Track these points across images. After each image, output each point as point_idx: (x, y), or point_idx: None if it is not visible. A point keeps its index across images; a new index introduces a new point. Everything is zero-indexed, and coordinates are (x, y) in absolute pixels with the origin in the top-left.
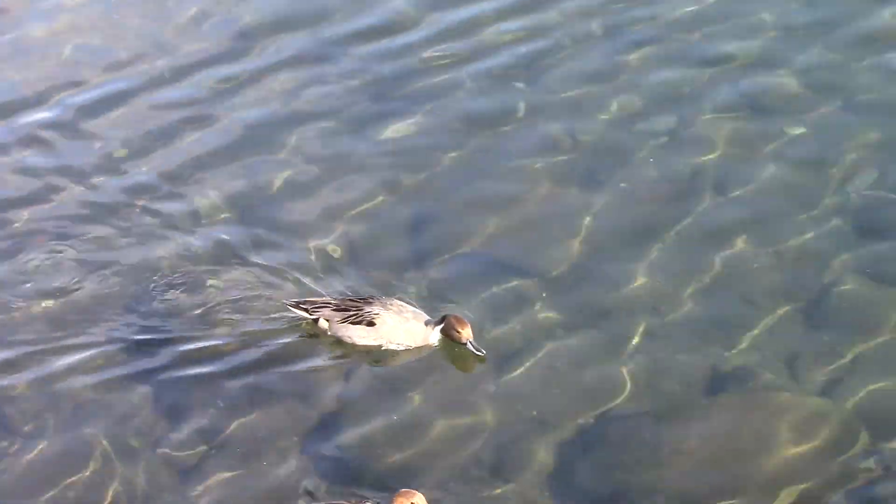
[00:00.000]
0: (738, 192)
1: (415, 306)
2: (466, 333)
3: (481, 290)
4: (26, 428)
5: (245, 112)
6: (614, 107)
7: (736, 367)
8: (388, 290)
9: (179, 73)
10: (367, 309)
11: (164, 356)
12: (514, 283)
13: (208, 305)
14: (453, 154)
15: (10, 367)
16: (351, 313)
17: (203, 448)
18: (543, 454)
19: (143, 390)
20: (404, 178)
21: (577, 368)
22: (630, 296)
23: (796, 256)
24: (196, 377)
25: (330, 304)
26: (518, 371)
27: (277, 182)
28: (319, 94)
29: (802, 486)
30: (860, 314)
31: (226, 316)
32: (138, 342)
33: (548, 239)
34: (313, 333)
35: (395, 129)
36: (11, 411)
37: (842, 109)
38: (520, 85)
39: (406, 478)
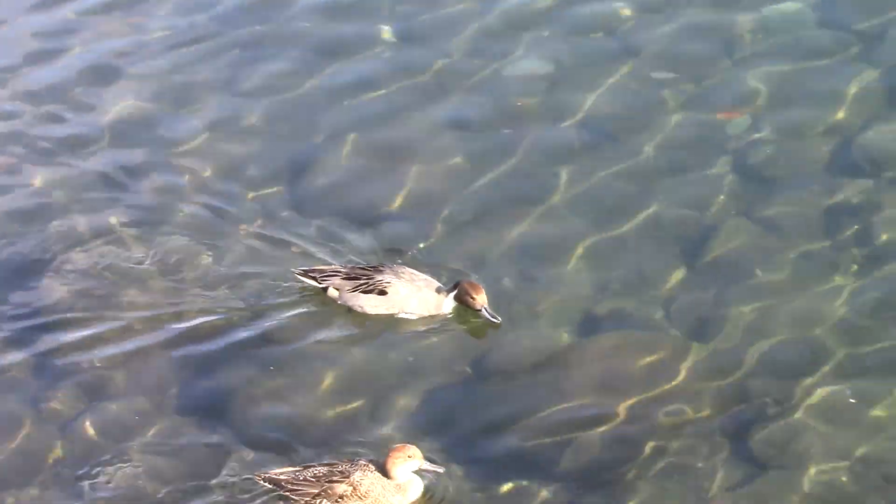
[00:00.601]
0: (616, 144)
1: (426, 273)
2: (481, 299)
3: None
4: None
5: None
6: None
7: (612, 310)
8: (395, 257)
9: None
10: (379, 277)
11: (164, 331)
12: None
13: (210, 278)
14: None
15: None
16: (361, 282)
17: (210, 417)
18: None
19: (148, 367)
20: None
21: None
22: (510, 245)
23: (677, 202)
24: (202, 352)
25: (340, 272)
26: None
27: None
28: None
29: (675, 419)
30: (738, 259)
31: (230, 288)
32: (135, 318)
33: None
34: (323, 303)
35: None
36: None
37: (728, 62)
38: None
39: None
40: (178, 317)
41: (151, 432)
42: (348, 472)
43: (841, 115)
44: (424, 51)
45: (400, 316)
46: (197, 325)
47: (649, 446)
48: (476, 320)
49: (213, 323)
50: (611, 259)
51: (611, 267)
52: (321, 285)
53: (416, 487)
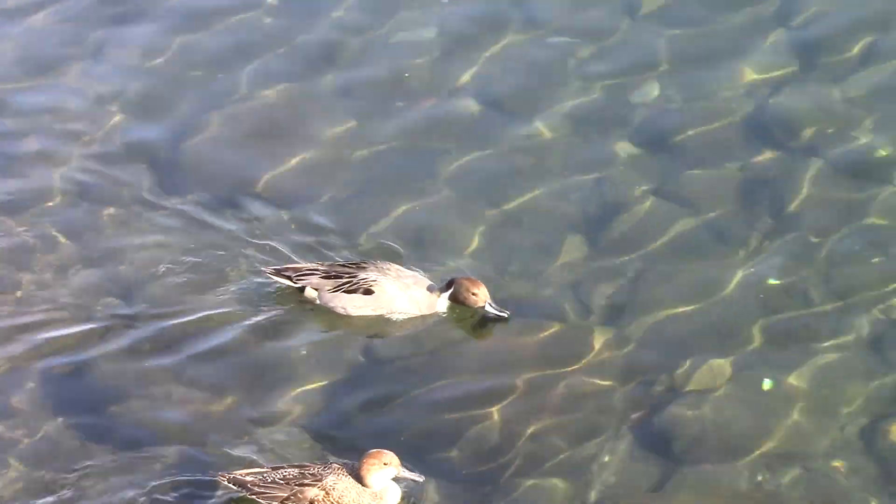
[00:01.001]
0: (511, 116)
1: (413, 270)
2: (483, 294)
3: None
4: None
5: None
6: None
7: (512, 291)
8: (381, 256)
9: None
10: (362, 275)
11: (120, 339)
12: None
13: (170, 278)
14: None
15: None
16: (344, 280)
17: (172, 420)
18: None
19: (90, 381)
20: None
21: None
22: (400, 223)
23: (578, 175)
24: (156, 365)
25: (317, 270)
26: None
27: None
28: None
29: (577, 402)
30: (643, 234)
31: (193, 290)
32: (90, 328)
33: None
34: (300, 304)
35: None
36: None
37: (629, 23)
38: None
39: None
40: (137, 321)
41: (113, 435)
42: (320, 475)
43: (751, 78)
44: (307, 17)
45: (388, 317)
46: (158, 330)
47: (548, 431)
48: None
49: (163, 331)
50: (508, 238)
51: (508, 246)
52: (297, 285)
53: (394, 495)
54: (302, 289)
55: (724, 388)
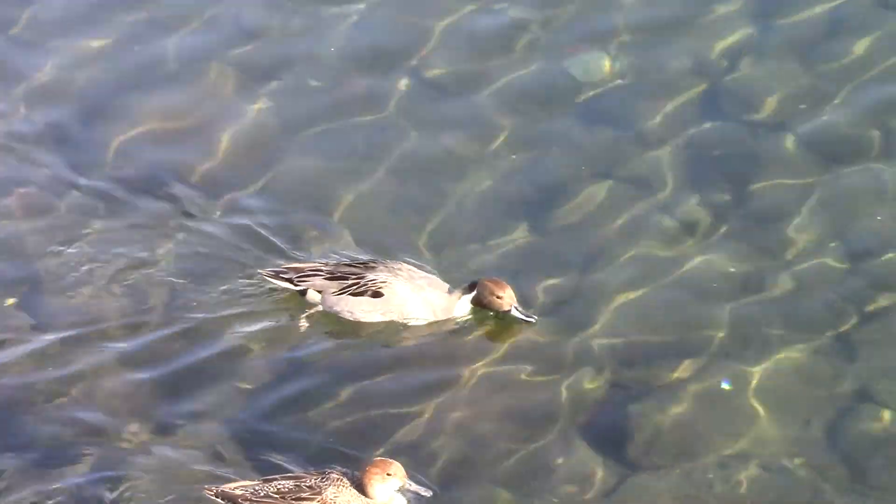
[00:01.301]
0: (451, 95)
1: (427, 270)
2: (509, 297)
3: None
4: None
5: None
6: None
7: (453, 278)
8: (386, 253)
9: None
10: (371, 276)
11: (101, 352)
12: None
13: (157, 281)
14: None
15: None
16: (350, 282)
17: (162, 432)
18: None
19: (101, 383)
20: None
21: None
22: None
23: (523, 157)
24: (147, 378)
25: (321, 271)
26: None
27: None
28: None
29: (524, 405)
30: (591, 221)
31: (184, 295)
32: (64, 339)
33: None
34: (301, 309)
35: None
36: None
37: None
38: None
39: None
40: (133, 331)
41: (98, 448)
42: (319, 487)
43: (706, 49)
44: None
45: (401, 322)
46: (153, 339)
47: (492, 433)
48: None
49: (156, 341)
50: (448, 225)
51: (448, 233)
52: (298, 288)
53: None
54: (304, 292)
55: (679, 384)
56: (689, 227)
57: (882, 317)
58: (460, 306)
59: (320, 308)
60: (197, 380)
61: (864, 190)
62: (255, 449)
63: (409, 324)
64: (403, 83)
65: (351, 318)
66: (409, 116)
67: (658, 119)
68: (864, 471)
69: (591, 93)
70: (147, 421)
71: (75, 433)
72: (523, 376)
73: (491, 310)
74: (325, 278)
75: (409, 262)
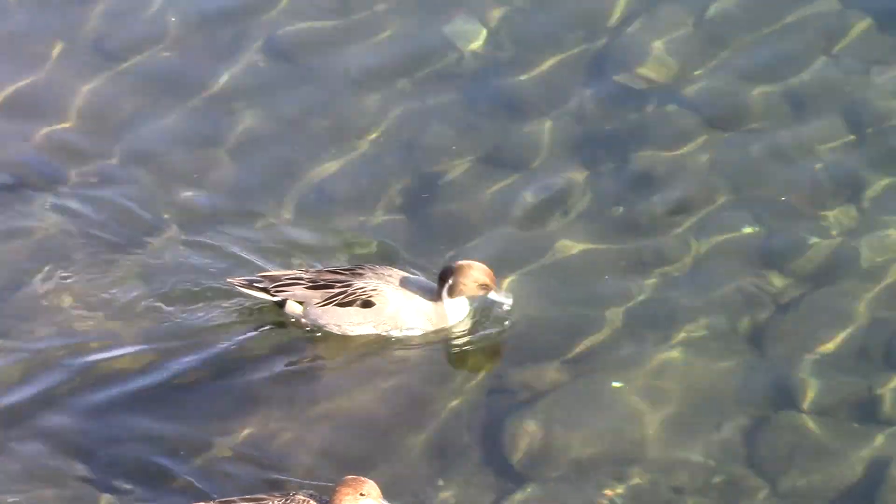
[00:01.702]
0: (301, 68)
1: (418, 275)
2: (490, 277)
3: None
4: None
5: None
6: None
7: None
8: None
9: None
10: (359, 283)
11: (67, 371)
12: None
13: (124, 298)
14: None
15: None
16: (336, 291)
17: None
18: None
19: (56, 410)
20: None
21: None
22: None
23: (392, 137)
24: (109, 399)
25: (301, 279)
26: None
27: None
28: None
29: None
30: (465, 201)
31: (150, 311)
32: (35, 353)
33: None
34: (279, 322)
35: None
36: None
37: None
38: None
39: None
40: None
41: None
42: None
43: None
44: None
45: (393, 334)
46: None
47: (361, 451)
48: None
49: (116, 359)
50: (311, 213)
51: (308, 213)
52: (275, 298)
53: None
54: (282, 303)
55: (567, 386)
56: (570, 207)
57: (794, 302)
58: (452, 309)
59: (302, 321)
60: (151, 401)
61: (760, 157)
62: (215, 472)
63: (401, 335)
64: (253, 58)
65: (338, 332)
66: (259, 92)
67: (537, 90)
68: (774, 477)
69: (468, 66)
70: (97, 443)
71: None
72: (390, 386)
73: (466, 296)
74: (307, 287)
75: (397, 268)
